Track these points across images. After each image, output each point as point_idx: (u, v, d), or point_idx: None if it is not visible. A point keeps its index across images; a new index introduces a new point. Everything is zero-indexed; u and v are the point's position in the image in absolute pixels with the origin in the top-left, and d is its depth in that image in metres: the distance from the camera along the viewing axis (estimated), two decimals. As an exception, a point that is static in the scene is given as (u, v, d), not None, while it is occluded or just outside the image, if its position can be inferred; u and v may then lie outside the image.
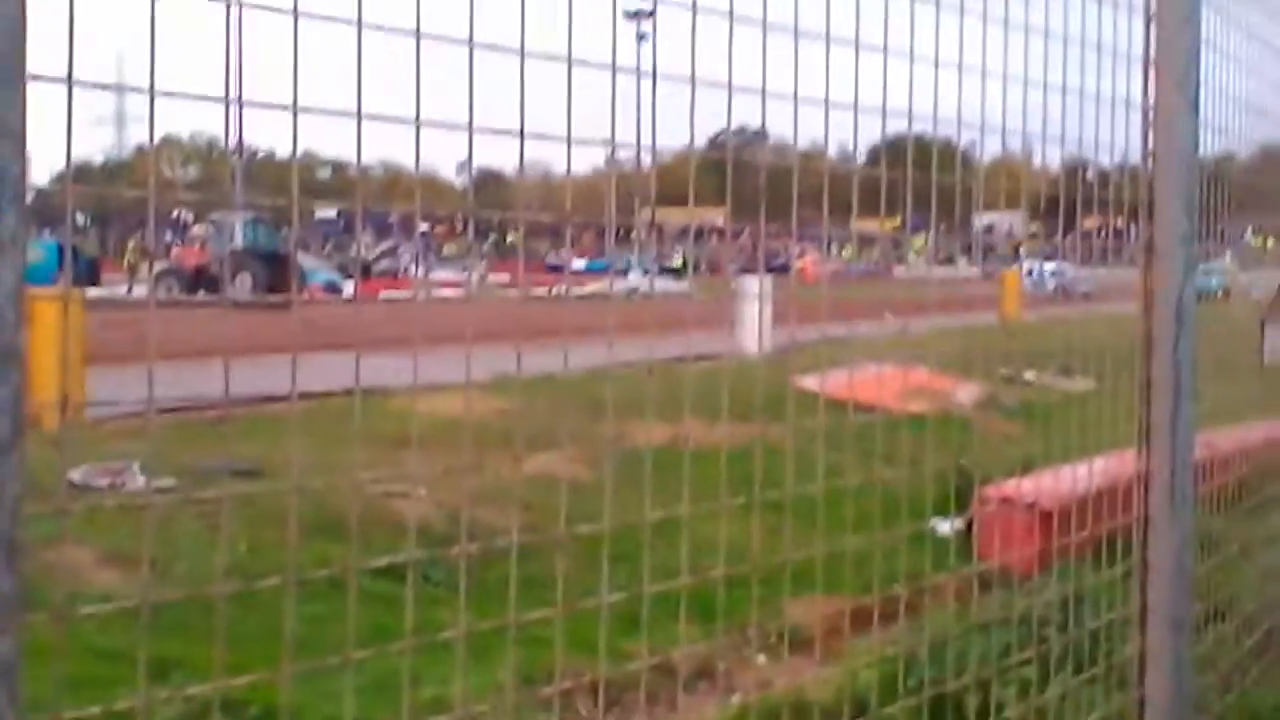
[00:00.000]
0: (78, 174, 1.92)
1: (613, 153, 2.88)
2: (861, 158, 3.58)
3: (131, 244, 59.58)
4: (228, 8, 1.88)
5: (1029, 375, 10.11)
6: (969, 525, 8.35)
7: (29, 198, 1.71)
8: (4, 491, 1.69)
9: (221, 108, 1.98)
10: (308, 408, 3.23)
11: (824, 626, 4.27)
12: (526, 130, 2.29)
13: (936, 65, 3.31)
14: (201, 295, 45.71)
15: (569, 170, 2.48)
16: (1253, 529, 5.38)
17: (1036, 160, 4.14)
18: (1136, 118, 4.09)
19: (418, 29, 2.14)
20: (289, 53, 1.98)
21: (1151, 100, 4.04)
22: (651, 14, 2.77)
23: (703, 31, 2.76)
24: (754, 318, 17.24)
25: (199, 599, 2.59)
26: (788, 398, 3.16)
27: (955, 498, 6.67)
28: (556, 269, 48.62)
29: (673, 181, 3.36)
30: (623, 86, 2.63)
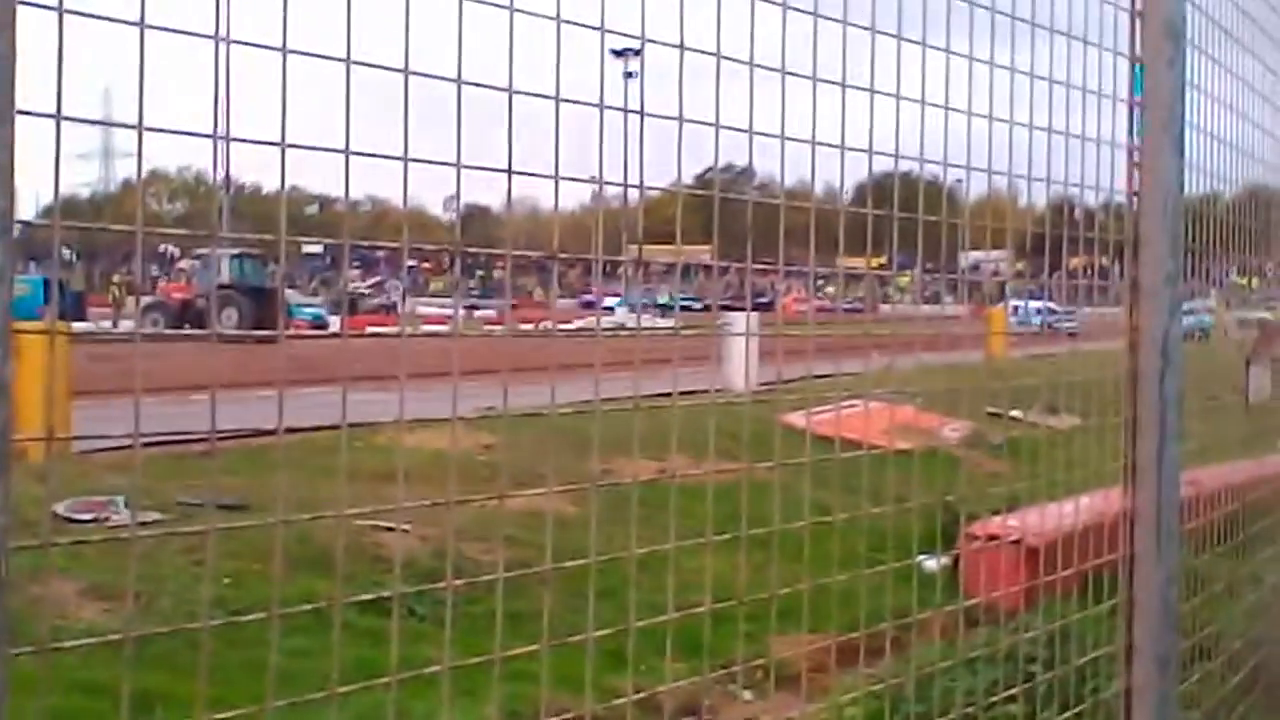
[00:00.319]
0: (64, 208, 1.92)
1: (600, 189, 2.89)
2: (849, 195, 3.60)
3: (116, 278, 59.46)
4: (215, 45, 1.89)
5: (1015, 412, 10.12)
6: (955, 562, 8.35)
7: (15, 231, 1.72)
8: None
9: (209, 143, 1.99)
10: (294, 442, 3.23)
11: (810, 663, 4.26)
12: (514, 167, 2.30)
13: (923, 105, 3.33)
14: (188, 330, 45.70)
15: (556, 206, 2.50)
16: (1238, 567, 5.39)
17: (1022, 200, 4.17)
18: (1122, 157, 4.12)
19: (406, 66, 2.15)
20: (278, 89, 1.99)
21: (1136, 140, 4.07)
22: (639, 53, 2.79)
23: (690, 70, 2.79)
24: (740, 354, 17.24)
25: (183, 633, 2.58)
26: (773, 434, 3.17)
27: (942, 534, 6.67)
28: (589, 304, 48.06)
29: (660, 219, 3.37)
30: (611, 124, 2.65)
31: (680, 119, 2.68)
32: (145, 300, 52.87)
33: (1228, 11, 5.08)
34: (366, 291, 64.87)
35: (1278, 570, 5.96)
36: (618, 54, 3.89)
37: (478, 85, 2.22)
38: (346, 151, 2.05)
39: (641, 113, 2.69)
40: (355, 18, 2.11)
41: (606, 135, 2.66)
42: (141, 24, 1.80)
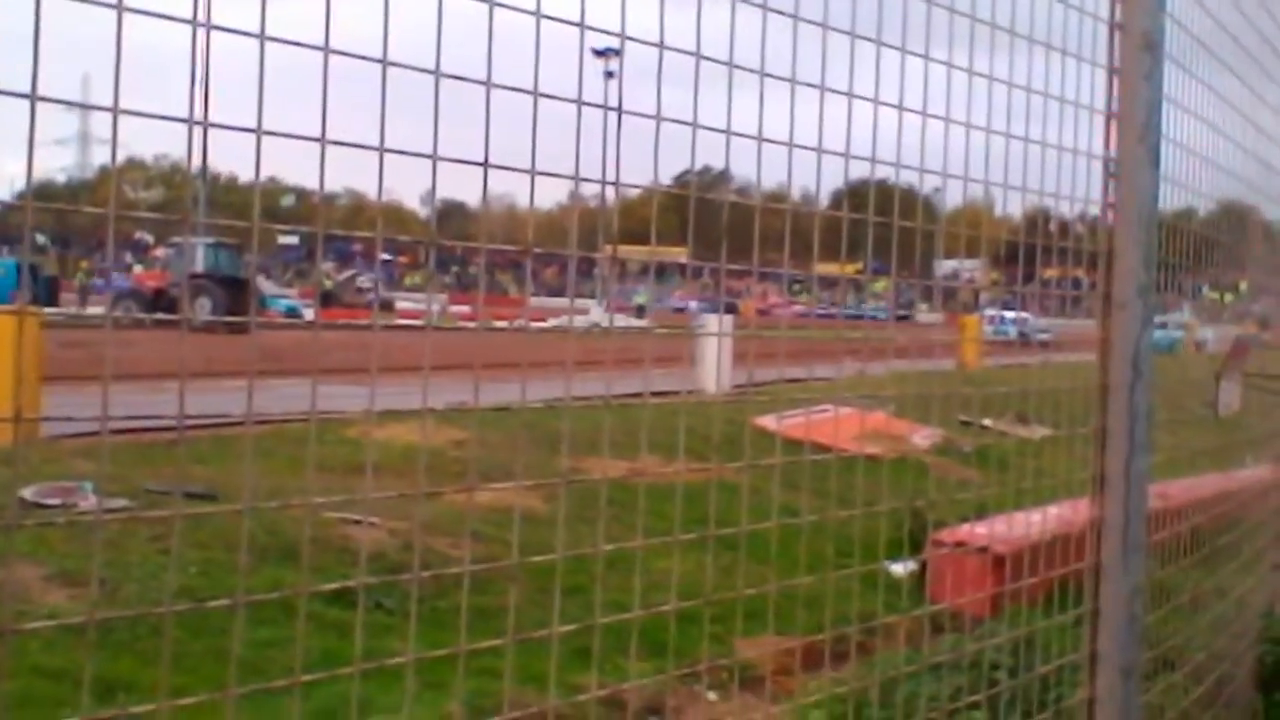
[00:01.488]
0: (40, 193, 1.92)
1: (576, 187, 2.89)
2: (826, 201, 3.61)
3: (86, 264, 59.00)
4: (193, 30, 1.88)
5: (986, 421, 10.15)
6: (923, 567, 8.37)
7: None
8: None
9: (185, 130, 1.98)
10: (264, 433, 3.22)
11: (775, 665, 4.27)
12: (491, 161, 2.30)
13: (900, 111, 3.34)
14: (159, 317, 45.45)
15: (531, 203, 2.50)
16: (1204, 580, 5.42)
17: (999, 209, 4.18)
18: (1098, 169, 4.13)
19: (384, 56, 2.15)
20: (255, 76, 1.99)
21: (1113, 152, 4.09)
22: (619, 53, 2.79)
23: (670, 71, 2.79)
24: (713, 356, 17.26)
25: (148, 620, 2.57)
26: (744, 436, 3.17)
27: (910, 540, 6.69)
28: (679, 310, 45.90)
29: (637, 219, 3.37)
30: (589, 123, 2.65)
31: (658, 118, 2.68)
32: (119, 287, 52.68)
33: (1206, 27, 5.10)
34: (341, 283, 64.73)
35: (1243, 583, 5.99)
36: (599, 53, 3.90)
37: (455, 78, 2.22)
38: (323, 140, 2.05)
39: (620, 110, 2.69)
40: (335, 7, 2.11)
41: (586, 134, 2.67)
42: (119, 6, 1.79)
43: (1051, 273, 4.62)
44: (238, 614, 2.26)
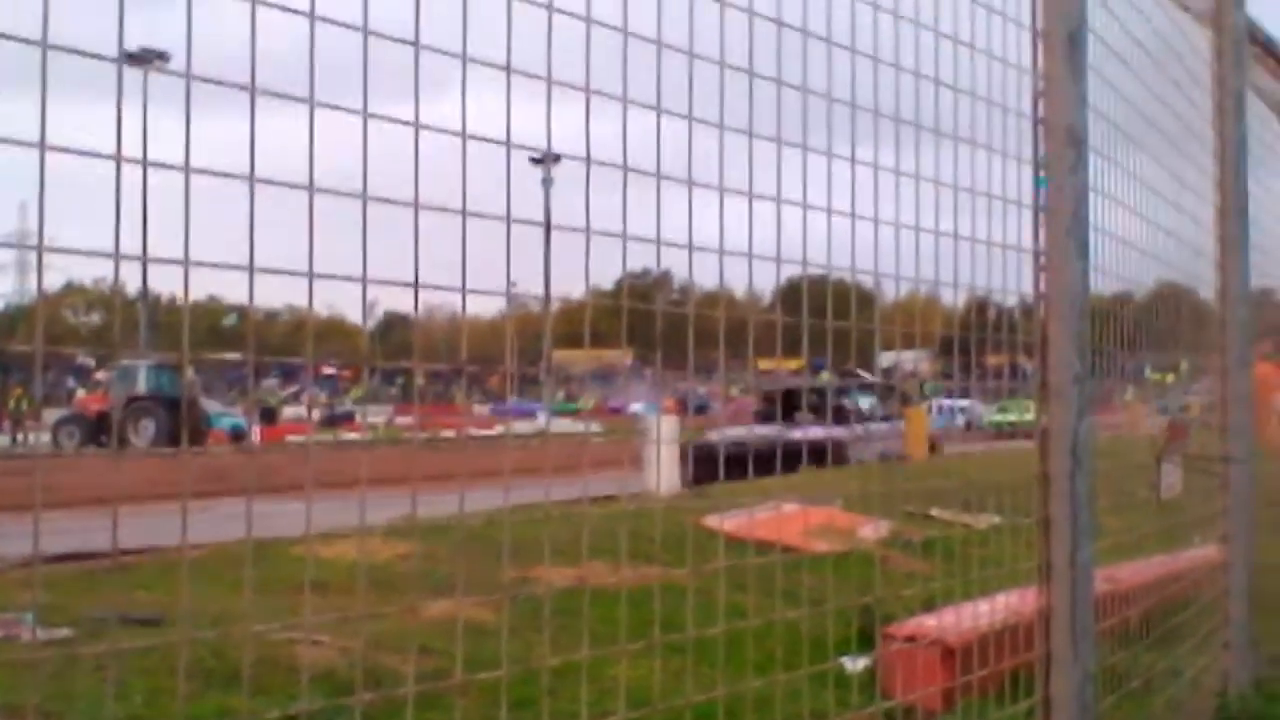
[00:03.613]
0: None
1: (508, 300, 2.91)
2: (767, 299, 3.64)
3: (19, 391, 58.00)
4: (117, 164, 1.89)
5: (934, 511, 10.19)
6: (875, 663, 8.33)
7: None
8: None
9: (125, 259, 1.98)
10: (208, 555, 3.19)
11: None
12: (423, 278, 2.31)
13: (829, 213, 3.39)
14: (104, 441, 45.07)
15: (464, 314, 2.51)
16: (1156, 662, 5.43)
17: (939, 301, 4.23)
18: (1029, 261, 4.20)
19: (310, 184, 2.16)
20: (185, 205, 2.00)
21: (1042, 245, 4.16)
22: (558, 159, 2.82)
23: (603, 179, 2.82)
24: (656, 458, 17.26)
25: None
26: (688, 538, 3.17)
27: (860, 635, 6.67)
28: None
29: (578, 322, 3.39)
30: (529, 231, 2.67)
31: (588, 231, 2.71)
32: (61, 413, 52.23)
33: (1125, 114, 5.21)
34: (285, 400, 64.31)
35: (1195, 664, 6.01)
36: (536, 161, 3.94)
37: (383, 200, 2.24)
38: (250, 269, 2.06)
39: (547, 225, 2.72)
40: (262, 128, 2.13)
41: (525, 240, 2.69)
42: (42, 145, 1.80)
43: (995, 360, 4.67)
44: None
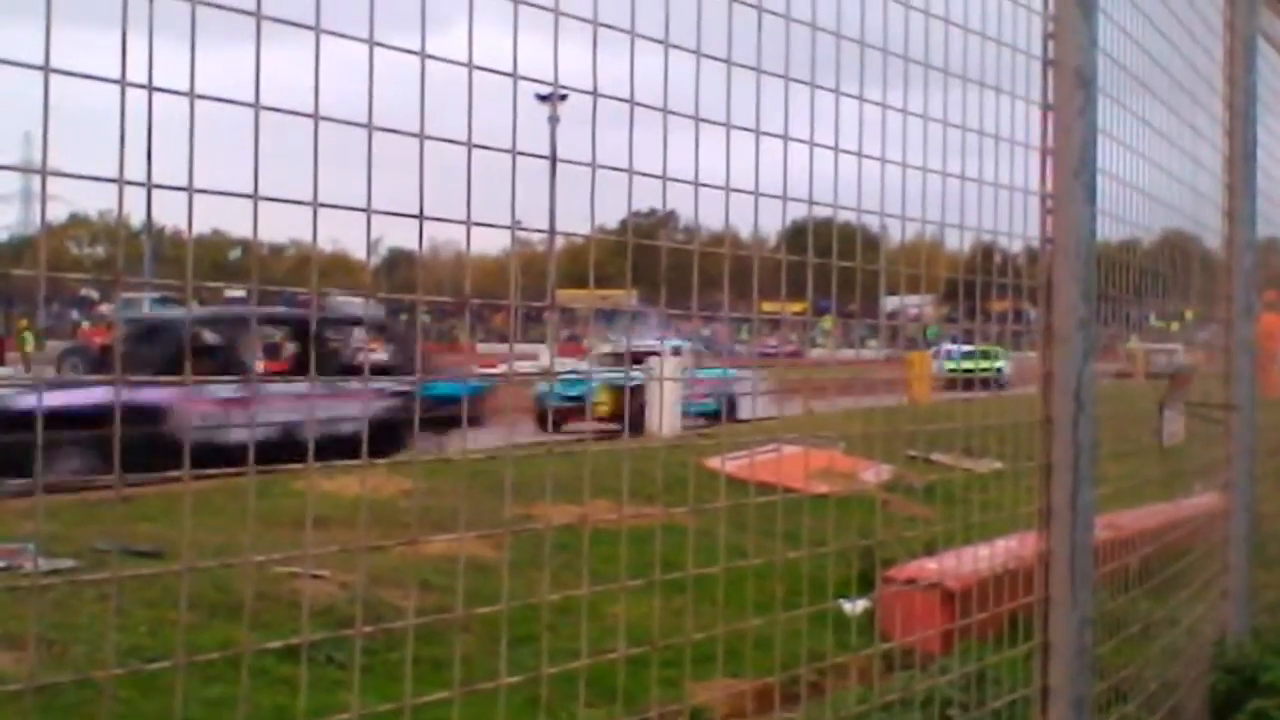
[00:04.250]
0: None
1: (513, 235, 2.90)
2: (773, 241, 3.63)
3: (25, 323, 58.05)
4: (122, 89, 1.87)
5: (935, 455, 10.20)
6: (874, 605, 8.36)
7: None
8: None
9: (128, 188, 1.97)
10: (212, 488, 3.20)
11: (727, 708, 4.25)
12: (428, 213, 2.30)
13: (836, 151, 3.37)
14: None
15: (468, 250, 2.50)
16: (1155, 609, 5.45)
17: (945, 244, 4.21)
18: (1036, 204, 4.17)
19: (316, 112, 2.14)
20: (190, 130, 1.98)
21: (1049, 188, 4.13)
22: (564, 97, 2.80)
23: (610, 115, 2.80)
24: (660, 399, 17.26)
25: (95, 683, 2.54)
26: (689, 478, 3.17)
27: (861, 578, 6.69)
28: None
29: (582, 262, 3.37)
30: (535, 167, 2.66)
31: (593, 165, 2.69)
32: (66, 344, 52.35)
33: (1138, 59, 5.17)
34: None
35: (1193, 612, 6.03)
36: (543, 98, 3.91)
37: (389, 131, 2.22)
38: (255, 197, 2.04)
39: (553, 160, 2.71)
40: (269, 59, 2.11)
41: (530, 178, 2.68)
42: (46, 68, 1.78)
43: (999, 306, 4.66)
44: (181, 674, 2.23)
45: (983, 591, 4.22)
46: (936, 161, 3.76)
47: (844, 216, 3.59)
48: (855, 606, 6.71)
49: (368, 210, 2.22)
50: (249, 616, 3.62)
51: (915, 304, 5.39)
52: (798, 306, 3.93)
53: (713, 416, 25.20)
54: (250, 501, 2.29)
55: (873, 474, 9.07)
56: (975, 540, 4.47)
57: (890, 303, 4.42)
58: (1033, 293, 4.23)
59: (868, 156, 3.48)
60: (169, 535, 9.82)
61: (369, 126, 2.19)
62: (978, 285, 4.36)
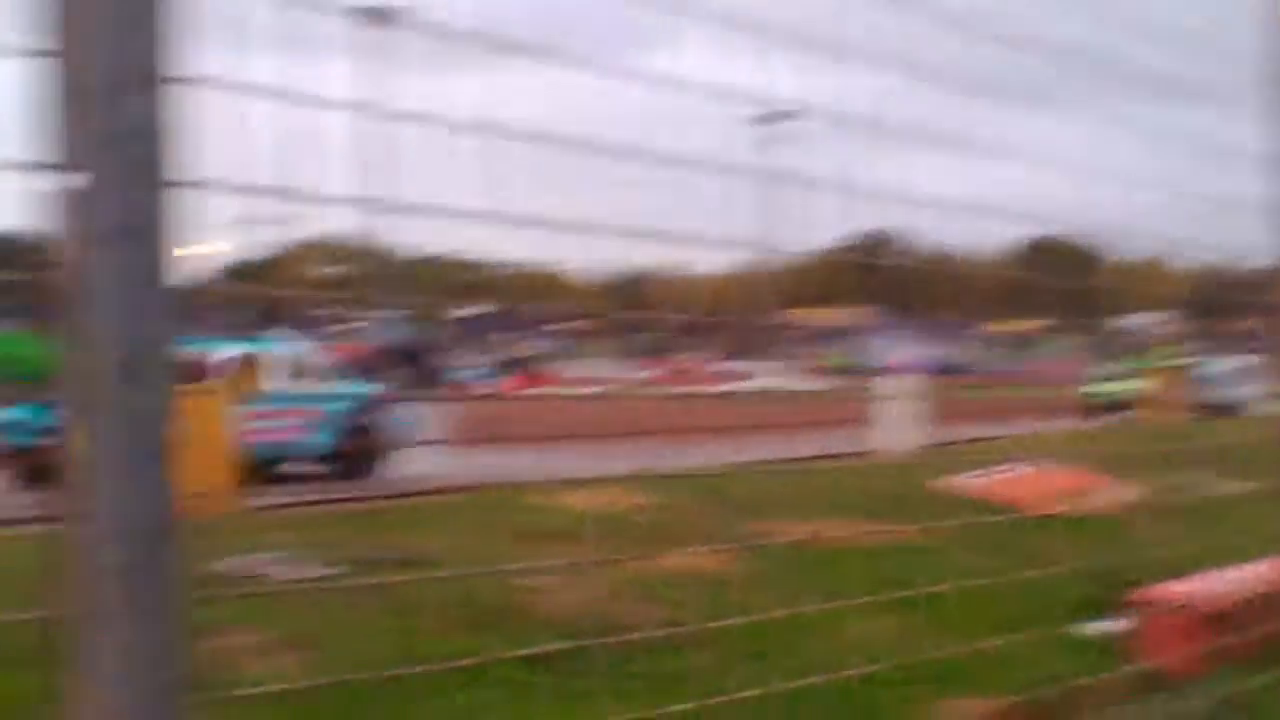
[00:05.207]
0: (238, 272, 2.01)
1: (740, 255, 2.92)
2: (1006, 258, 3.59)
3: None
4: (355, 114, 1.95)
5: (1187, 477, 9.91)
6: (1123, 627, 8.10)
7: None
8: (170, 576, 1.74)
9: (371, 210, 2.05)
10: (463, 501, 3.30)
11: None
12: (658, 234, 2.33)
13: (1069, 173, 3.32)
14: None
15: (701, 271, 2.54)
16: None
17: (1184, 263, 4.10)
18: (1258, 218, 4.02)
19: (557, 136, 2.20)
20: (436, 157, 2.07)
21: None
22: (789, 117, 2.83)
23: (840, 140, 2.81)
24: (892, 416, 16.97)
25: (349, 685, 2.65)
26: (922, 497, 3.14)
27: (1102, 600, 6.53)
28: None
29: (815, 281, 3.39)
30: (744, 194, 2.69)
31: (822, 186, 2.70)
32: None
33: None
34: (530, 356, 65.35)
35: None
36: (763, 121, 3.94)
37: (625, 155, 2.26)
38: (490, 217, 2.10)
39: (783, 182, 2.72)
40: (506, 92, 2.18)
41: (744, 202, 2.70)
42: (287, 97, 1.86)
43: (1238, 325, 4.52)
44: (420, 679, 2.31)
45: (1236, 614, 4.09)
46: (1169, 178, 3.67)
47: (1072, 238, 3.53)
48: (1097, 629, 6.54)
49: (602, 231, 2.26)
50: (495, 626, 3.71)
51: (1154, 320, 5.26)
52: (1032, 324, 3.87)
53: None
54: (501, 514, 2.36)
55: (1117, 493, 8.82)
56: (1224, 562, 4.34)
57: (1132, 320, 4.33)
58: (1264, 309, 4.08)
59: (1104, 176, 3.41)
60: (422, 545, 10.11)
61: (614, 152, 2.24)
62: (1214, 303, 4.23)
